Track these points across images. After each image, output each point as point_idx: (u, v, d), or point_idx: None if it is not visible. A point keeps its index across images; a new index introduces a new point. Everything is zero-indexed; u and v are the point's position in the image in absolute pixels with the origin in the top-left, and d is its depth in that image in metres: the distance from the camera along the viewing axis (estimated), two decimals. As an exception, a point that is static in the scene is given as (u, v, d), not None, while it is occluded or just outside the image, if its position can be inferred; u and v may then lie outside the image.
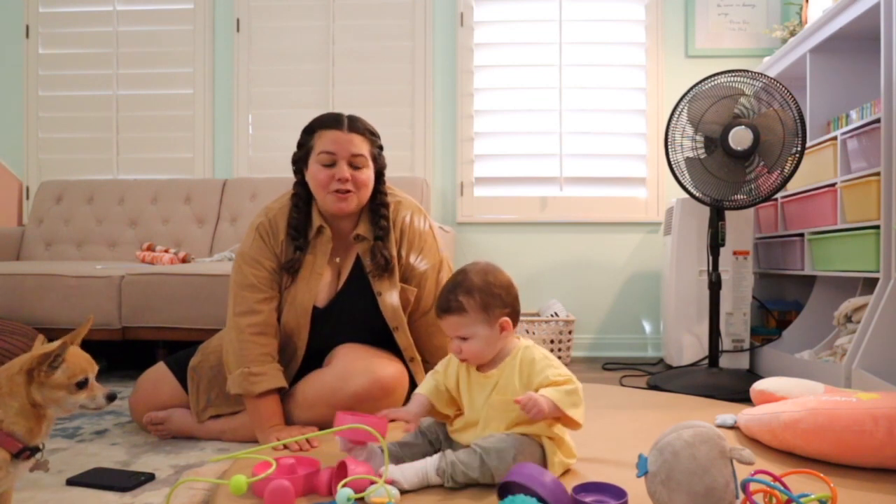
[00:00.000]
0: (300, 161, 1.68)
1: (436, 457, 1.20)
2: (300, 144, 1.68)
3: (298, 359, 1.67)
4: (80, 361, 1.06)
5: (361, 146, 1.63)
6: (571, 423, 1.22)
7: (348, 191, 1.61)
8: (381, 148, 1.71)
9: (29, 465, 1.04)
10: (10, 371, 1.02)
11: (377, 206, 1.70)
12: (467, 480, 1.18)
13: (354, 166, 1.62)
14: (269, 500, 1.09)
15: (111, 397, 1.09)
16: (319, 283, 1.67)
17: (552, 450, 1.24)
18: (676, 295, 2.64)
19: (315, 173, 1.62)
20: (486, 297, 1.25)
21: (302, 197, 1.69)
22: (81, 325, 1.14)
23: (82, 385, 1.05)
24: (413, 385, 1.65)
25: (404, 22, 3.29)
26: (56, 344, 1.04)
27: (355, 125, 1.64)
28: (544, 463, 1.23)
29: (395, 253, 1.69)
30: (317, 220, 1.67)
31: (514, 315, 1.29)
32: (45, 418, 1.04)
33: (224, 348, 1.63)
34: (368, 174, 1.65)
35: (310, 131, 1.66)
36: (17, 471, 1.03)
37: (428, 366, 1.71)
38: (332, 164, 1.61)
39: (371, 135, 1.67)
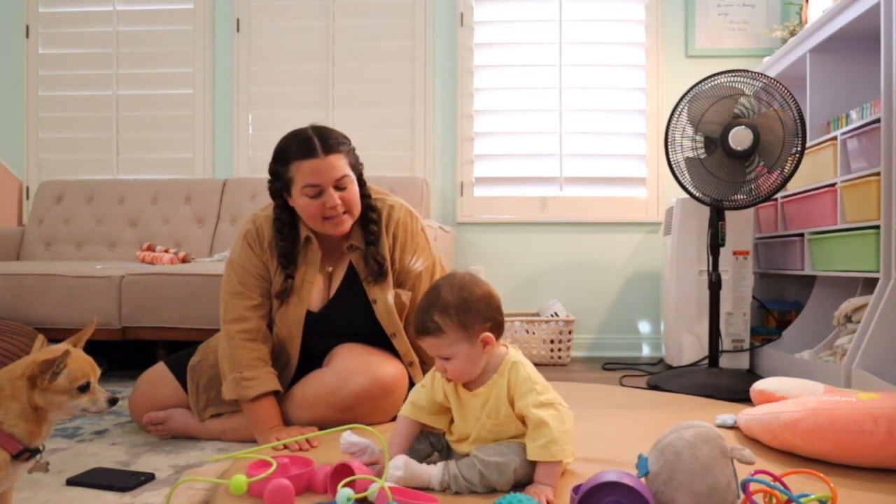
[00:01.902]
0: (280, 191, 1.62)
1: (440, 466, 1.18)
2: (276, 175, 1.61)
3: (293, 366, 1.67)
4: (83, 365, 1.06)
5: (342, 166, 1.58)
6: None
7: (344, 212, 1.60)
8: (354, 150, 1.65)
9: (28, 466, 1.04)
10: (12, 374, 1.02)
11: (365, 210, 1.67)
12: (470, 493, 1.16)
13: (340, 188, 1.58)
14: (268, 499, 1.09)
15: (113, 401, 1.08)
16: (311, 292, 1.67)
17: None
18: (676, 295, 2.64)
19: (304, 206, 1.58)
20: (463, 314, 1.18)
21: (286, 222, 1.65)
22: (85, 328, 1.13)
23: (84, 389, 1.05)
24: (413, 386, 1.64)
25: (404, 22, 3.29)
26: (59, 349, 1.03)
27: (329, 145, 1.56)
28: None
29: (388, 256, 1.69)
30: (303, 232, 1.66)
31: (497, 327, 1.22)
32: (45, 421, 1.04)
33: (219, 355, 1.63)
34: (354, 188, 1.62)
35: (283, 162, 1.58)
36: (16, 471, 1.02)
37: (426, 366, 1.71)
38: (319, 195, 1.56)
39: (345, 146, 1.61)
